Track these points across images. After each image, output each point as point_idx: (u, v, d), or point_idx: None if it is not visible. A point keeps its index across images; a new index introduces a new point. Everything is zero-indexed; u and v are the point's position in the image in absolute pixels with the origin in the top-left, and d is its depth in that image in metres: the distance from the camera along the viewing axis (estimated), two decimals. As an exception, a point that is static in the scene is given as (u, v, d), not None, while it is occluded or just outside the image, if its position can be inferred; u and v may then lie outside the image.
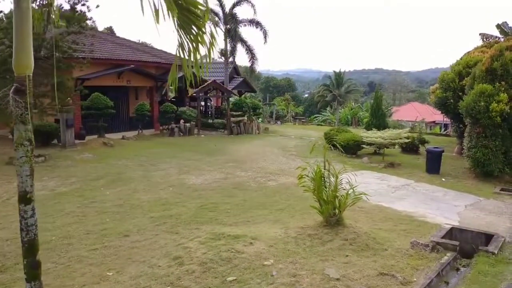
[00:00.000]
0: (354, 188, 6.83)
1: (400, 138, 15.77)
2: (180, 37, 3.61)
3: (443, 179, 13.31)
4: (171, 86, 4.36)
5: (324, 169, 7.00)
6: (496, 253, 5.63)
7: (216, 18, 27.66)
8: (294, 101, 52.26)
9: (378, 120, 18.82)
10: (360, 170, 14.39)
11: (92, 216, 8.34)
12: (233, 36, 27.60)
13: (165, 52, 29.42)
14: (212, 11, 27.14)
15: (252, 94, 39.97)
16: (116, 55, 21.75)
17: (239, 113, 25.25)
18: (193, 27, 3.61)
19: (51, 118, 16.70)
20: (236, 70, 32.25)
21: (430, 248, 5.94)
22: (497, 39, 22.58)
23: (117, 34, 25.80)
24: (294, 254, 5.95)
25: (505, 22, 25.48)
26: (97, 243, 6.78)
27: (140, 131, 20.90)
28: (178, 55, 3.60)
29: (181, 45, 3.65)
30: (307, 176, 7.00)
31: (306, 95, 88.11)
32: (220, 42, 28.57)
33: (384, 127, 17.99)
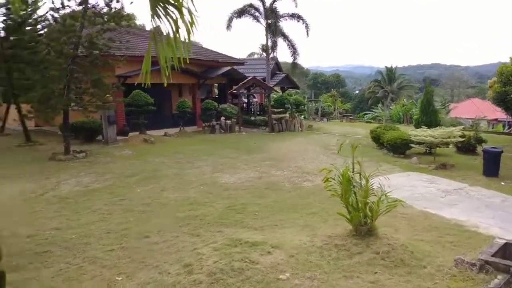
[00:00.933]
0: (387, 194, 6.02)
1: (453, 137, 14.42)
2: (154, 16, 3.13)
3: (502, 183, 11.93)
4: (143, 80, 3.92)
5: (353, 171, 6.26)
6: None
7: (257, 13, 27.17)
8: (342, 98, 50.76)
9: (429, 117, 17.42)
10: (407, 171, 13.36)
11: (117, 214, 8.20)
12: (273, 31, 26.94)
13: (207, 50, 29.50)
14: (252, 6, 26.74)
15: (297, 90, 39.21)
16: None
17: (281, 110, 24.64)
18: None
19: (97, 115, 17.09)
20: (278, 66, 31.63)
21: (477, 267, 5.08)
22: None
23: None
24: (315, 267, 5.34)
25: None
26: (115, 244, 6.57)
27: (182, 128, 20.96)
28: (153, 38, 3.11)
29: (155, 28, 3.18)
30: (333, 179, 6.32)
31: (357, 92, 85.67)
32: (261, 37, 28.12)
33: (436, 124, 16.59)
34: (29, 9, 16.66)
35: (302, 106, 29.25)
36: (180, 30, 3.70)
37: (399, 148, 15.68)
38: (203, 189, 10.36)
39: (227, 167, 13.05)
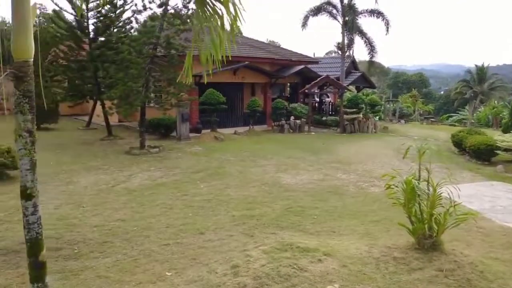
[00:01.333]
0: (455, 206, 5.43)
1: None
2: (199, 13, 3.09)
3: None
4: (186, 75, 3.92)
5: (419, 178, 5.74)
6: None
7: (334, 10, 26.49)
8: (424, 98, 47.68)
9: (521, 121, 15.62)
10: (490, 180, 12.11)
11: (178, 209, 8.45)
12: (350, 28, 26.04)
13: (281, 48, 29.43)
14: (330, 3, 26.10)
15: (374, 90, 37.61)
16: (233, 52, 22.38)
17: (354, 110, 23.78)
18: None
19: (173, 112, 17.87)
20: (354, 64, 30.56)
21: (561, 297, 4.36)
22: None
23: (246, 35, 26.34)
24: (368, 280, 4.97)
25: None
26: (171, 238, 6.76)
27: (251, 126, 21.17)
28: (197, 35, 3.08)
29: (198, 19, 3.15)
30: (396, 186, 5.85)
31: (442, 92, 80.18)
32: (338, 35, 27.34)
33: (529, 130, 14.83)
34: (117, 12, 17.91)
35: (378, 107, 28.00)
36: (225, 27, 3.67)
37: (483, 155, 14.28)
38: (263, 189, 10.31)
39: (290, 167, 12.87)
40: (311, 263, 5.29)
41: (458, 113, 41.44)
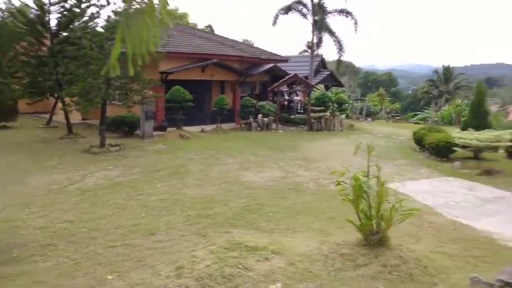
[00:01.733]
0: (401, 202, 5.48)
1: (500, 141, 13.18)
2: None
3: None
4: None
5: (368, 175, 5.76)
6: None
7: (304, 10, 26.65)
8: (391, 97, 48.73)
9: (479, 119, 16.07)
10: (447, 176, 12.41)
11: (131, 209, 8.22)
12: (320, 27, 26.26)
13: (251, 47, 29.36)
14: (300, 2, 26.22)
15: (343, 89, 38.13)
16: (200, 49, 22.11)
17: (322, 108, 23.95)
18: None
19: (138, 110, 17.41)
20: (323, 63, 30.85)
21: (496, 290, 4.44)
22: None
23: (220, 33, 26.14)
24: (313, 277, 4.94)
25: None
26: (119, 240, 6.55)
27: (219, 124, 20.98)
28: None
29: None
30: (345, 183, 5.86)
31: (410, 92, 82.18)
32: (308, 34, 27.50)
33: (485, 127, 15.26)
34: (82, 6, 17.29)
35: (345, 105, 28.35)
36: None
37: (442, 151, 14.63)
38: (224, 187, 10.19)
39: (254, 165, 12.80)
40: (257, 262, 5.21)
41: (423, 112, 42.52)
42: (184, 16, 49.16)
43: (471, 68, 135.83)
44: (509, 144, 13.94)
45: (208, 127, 20.58)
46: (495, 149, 14.19)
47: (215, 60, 21.34)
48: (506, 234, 7.15)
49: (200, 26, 49.32)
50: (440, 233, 7.33)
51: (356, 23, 25.95)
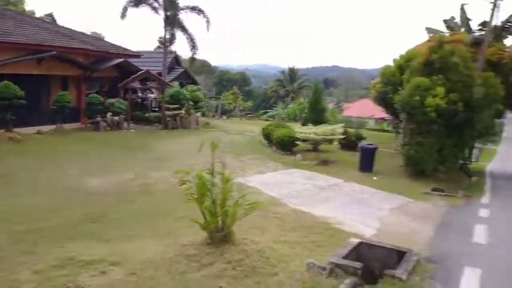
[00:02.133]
0: (244, 196, 5.57)
1: (334, 134, 14.90)
2: None
3: (375, 178, 12.53)
4: None
5: (213, 172, 5.69)
6: (404, 278, 4.59)
7: (155, 4, 25.82)
8: (244, 96, 51.11)
9: (317, 115, 17.94)
10: (290, 168, 13.39)
11: None
12: (172, 23, 25.78)
13: (99, 40, 27.23)
14: (151, -4, 25.29)
15: (199, 87, 38.36)
16: (36, 39, 19.40)
17: (177, 106, 23.59)
18: None
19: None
20: (177, 60, 30.47)
21: (327, 272, 4.84)
22: (442, 33, 22.37)
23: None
24: (156, 286, 4.63)
25: (453, 17, 25.41)
26: None
27: (59, 124, 18.79)
28: None
29: None
30: (190, 182, 5.70)
31: (262, 90, 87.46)
32: (160, 30, 26.77)
33: (322, 122, 17.11)
34: None
35: (201, 103, 28.51)
36: None
37: (286, 146, 15.80)
38: (62, 195, 9.06)
39: (99, 168, 11.76)
40: (92, 277, 4.65)
41: (273, 109, 45.75)
42: (18, 1, 42.89)
43: (312, 70, 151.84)
44: (341, 136, 15.85)
45: (46, 128, 18.21)
46: (330, 141, 15.96)
47: (54, 52, 18.99)
48: (339, 218, 7.99)
49: (39, 14, 43.62)
50: (284, 222, 7.77)
51: (208, 21, 26.24)
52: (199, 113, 26.83)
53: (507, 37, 23.01)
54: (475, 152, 30.42)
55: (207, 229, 5.56)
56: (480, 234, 7.46)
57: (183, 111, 23.57)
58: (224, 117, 32.38)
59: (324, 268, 4.92)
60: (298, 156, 14.76)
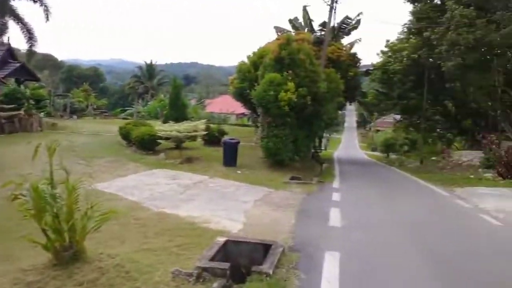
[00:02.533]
0: (93, 206, 4.85)
1: (197, 131, 14.68)
2: None
3: (239, 172, 12.73)
4: None
5: (52, 182, 4.82)
6: (270, 273, 4.56)
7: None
8: (98, 93, 47.39)
9: (178, 112, 17.47)
10: (153, 168, 12.67)
11: None
12: (2, 11, 22.14)
13: None
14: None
15: (42, 83, 33.96)
16: None
17: (14, 106, 20.34)
18: None
19: None
20: (12, 54, 26.33)
21: (194, 277, 4.52)
22: (289, 32, 24.06)
23: None
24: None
25: (296, 17, 27.62)
26: None
27: None
28: None
29: None
30: (24, 196, 4.73)
31: (118, 87, 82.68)
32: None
33: (184, 119, 16.73)
34: None
35: (45, 102, 25.26)
36: None
37: (147, 145, 14.99)
38: None
39: None
40: None
41: (132, 107, 43.45)
42: None
43: (171, 66, 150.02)
44: (204, 132, 15.71)
45: None
46: (193, 138, 15.69)
47: None
48: (206, 216, 7.73)
49: None
50: (146, 228, 7.16)
51: (47, 9, 23.30)
52: (43, 113, 23.66)
53: (343, 37, 26.16)
54: (324, 141, 33.91)
55: (51, 249, 4.68)
56: (335, 217, 8.06)
57: (22, 112, 20.44)
58: (74, 116, 29.32)
59: (191, 274, 4.57)
60: (161, 155, 14.11)
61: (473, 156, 18.80)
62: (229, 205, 8.66)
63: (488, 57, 18.78)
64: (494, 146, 17.23)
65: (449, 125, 30.40)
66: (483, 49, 18.24)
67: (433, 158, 24.22)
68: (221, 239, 5.46)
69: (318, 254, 5.63)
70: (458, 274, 5.31)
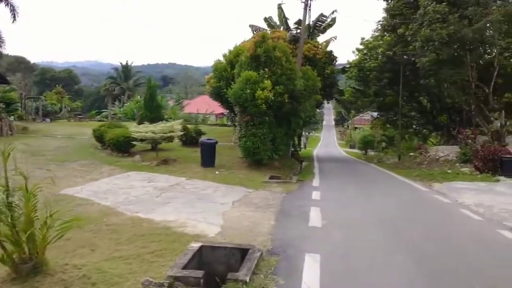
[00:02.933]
0: (52, 215, 4.49)
1: (173, 131, 14.30)
2: None
3: (217, 172, 12.43)
4: None
5: (6, 190, 4.44)
6: (247, 280, 4.28)
7: None
8: (72, 95, 46.18)
9: (153, 112, 17.02)
10: (128, 171, 12.26)
11: None
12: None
13: None
14: None
15: (14, 86, 32.84)
16: None
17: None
18: None
19: None
20: (-22, 55, 25.29)
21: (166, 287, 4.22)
22: (265, 31, 23.88)
23: None
24: None
25: (271, 16, 27.52)
26: None
27: None
28: None
29: None
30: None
31: (94, 89, 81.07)
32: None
33: (160, 120, 16.31)
34: None
35: (16, 105, 24.34)
36: None
37: (122, 147, 14.54)
38: None
39: None
40: None
41: (108, 109, 42.45)
42: None
43: (148, 67, 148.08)
44: (180, 133, 15.34)
45: None
46: (170, 139, 15.29)
47: None
48: (182, 220, 7.41)
49: None
50: (119, 235, 6.79)
51: (13, 10, 22.32)
52: (13, 116, 22.76)
53: (319, 35, 26.17)
54: (303, 139, 33.88)
55: (9, 262, 4.30)
56: (315, 217, 7.86)
57: (-10, 116, 19.61)
58: (48, 119, 28.40)
59: (162, 285, 4.27)
60: (137, 157, 13.68)
61: (449, 151, 18.99)
62: (206, 208, 8.36)
63: (461, 52, 19.00)
64: (470, 141, 17.43)
65: (424, 120, 30.81)
66: (456, 45, 18.44)
67: (411, 154, 24.43)
68: (195, 245, 5.17)
69: (298, 256, 5.40)
70: (443, 273, 5.16)
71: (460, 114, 24.95)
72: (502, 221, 7.98)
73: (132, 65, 65.68)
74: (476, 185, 12.29)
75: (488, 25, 17.73)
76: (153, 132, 13.68)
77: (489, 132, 18.83)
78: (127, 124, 19.53)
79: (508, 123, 20.97)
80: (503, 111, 19.28)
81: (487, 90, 19.85)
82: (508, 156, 14.19)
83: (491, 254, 6.14)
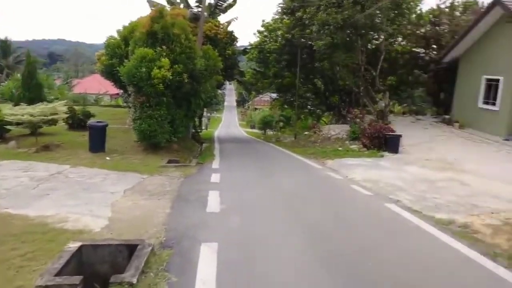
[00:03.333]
0: None
1: (56, 114, 12.77)
2: None
3: (108, 158, 11.43)
4: None
5: None
6: (135, 282, 3.81)
7: None
8: None
9: (32, 92, 15.02)
10: (1, 160, 10.61)
11: None
12: None
13: None
14: None
15: None
16: None
17: None
18: None
19: None
20: None
21: (35, 300, 3.57)
22: (164, 7, 22.56)
23: None
24: None
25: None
26: None
27: None
28: None
29: None
30: None
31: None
32: None
33: (40, 100, 14.43)
34: None
35: None
36: None
37: (-6, 132, 12.57)
38: None
39: None
40: None
41: (-20, 88, 36.87)
42: None
43: (33, 43, 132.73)
44: (65, 116, 13.79)
45: None
46: (53, 122, 13.67)
47: None
48: (62, 214, 6.54)
49: None
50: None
51: None
52: None
53: (220, 14, 25.65)
54: (204, 120, 33.33)
55: None
56: (213, 202, 7.58)
57: None
58: None
59: (29, 296, 3.60)
60: (11, 143, 11.94)
61: (340, 130, 20.20)
62: (92, 198, 7.53)
63: (354, 37, 20.16)
64: (358, 120, 18.72)
65: (319, 101, 32.47)
66: (349, 30, 19.47)
67: (306, 132, 25.57)
68: (74, 245, 4.51)
69: (193, 248, 5.07)
70: (338, 252, 5.26)
71: (349, 95, 26.68)
72: (387, 194, 8.60)
73: (13, 40, 58.03)
74: (364, 161, 13.20)
75: (378, 12, 18.97)
76: (31, 115, 12.00)
77: (375, 111, 20.42)
78: (2, 106, 17.03)
79: (390, 104, 23.03)
80: (387, 93, 21.04)
81: (374, 73, 21.46)
82: (391, 133, 15.51)
83: (381, 228, 6.51)
